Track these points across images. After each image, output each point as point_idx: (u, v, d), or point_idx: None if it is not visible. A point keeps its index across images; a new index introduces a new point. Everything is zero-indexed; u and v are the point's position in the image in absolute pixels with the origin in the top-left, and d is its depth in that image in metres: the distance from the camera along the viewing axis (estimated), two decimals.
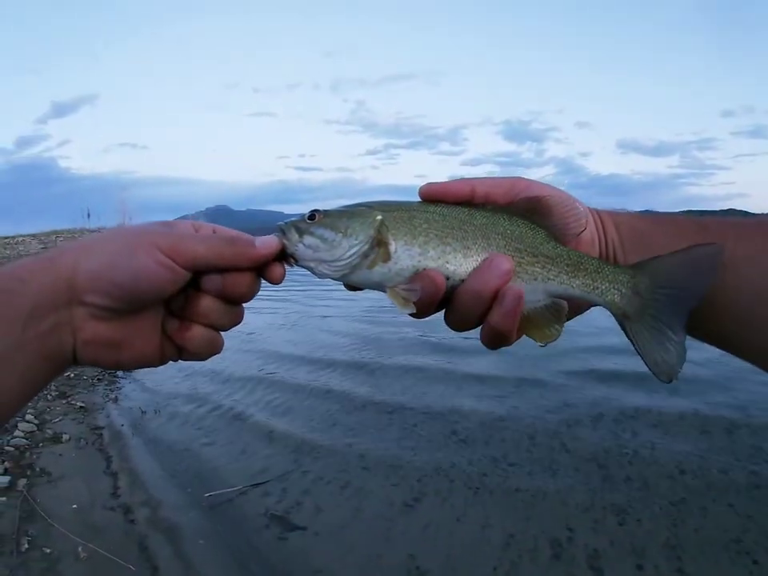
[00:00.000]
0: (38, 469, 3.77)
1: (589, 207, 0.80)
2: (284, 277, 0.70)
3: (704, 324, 0.71)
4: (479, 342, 0.70)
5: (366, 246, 0.68)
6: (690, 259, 0.67)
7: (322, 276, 0.70)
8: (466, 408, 4.90)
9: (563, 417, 4.65)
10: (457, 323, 0.71)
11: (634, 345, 0.70)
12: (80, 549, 2.86)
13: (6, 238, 24.84)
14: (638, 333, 0.70)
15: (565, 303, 0.71)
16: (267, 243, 0.67)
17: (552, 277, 0.71)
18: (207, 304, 0.66)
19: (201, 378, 6.29)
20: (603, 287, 0.71)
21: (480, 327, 0.69)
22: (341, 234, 0.69)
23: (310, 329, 9.08)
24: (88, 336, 0.60)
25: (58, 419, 4.81)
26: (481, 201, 0.74)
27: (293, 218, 0.73)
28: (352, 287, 0.74)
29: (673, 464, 3.75)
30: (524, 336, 0.70)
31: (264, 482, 3.73)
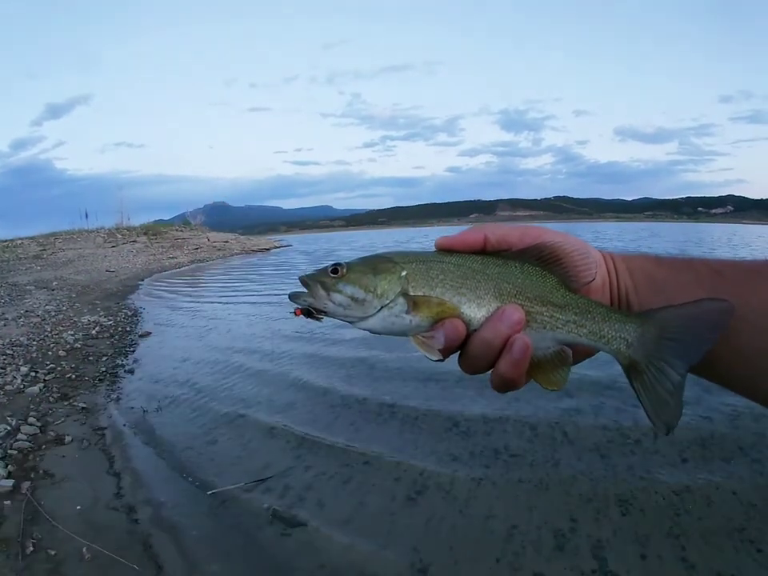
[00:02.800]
0: (41, 471, 3.78)
1: (602, 252, 0.81)
2: None
3: (714, 368, 0.70)
4: None
5: (394, 304, 0.72)
6: (699, 313, 0.67)
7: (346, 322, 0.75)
8: (467, 400, 4.91)
9: (565, 407, 4.65)
10: (468, 367, 0.73)
11: (636, 394, 0.71)
12: (84, 549, 2.86)
13: (5, 241, 24.85)
14: (642, 383, 0.70)
15: (569, 351, 0.73)
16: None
17: (560, 325, 0.72)
18: None
19: (202, 376, 6.31)
20: (610, 336, 0.71)
21: (490, 372, 0.71)
22: (371, 294, 0.72)
23: (312, 324, 9.05)
24: None
25: (60, 421, 4.81)
26: (493, 249, 0.76)
27: (314, 272, 0.76)
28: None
29: (675, 453, 3.75)
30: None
31: (266, 479, 3.74)
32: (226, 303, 12.27)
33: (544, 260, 0.73)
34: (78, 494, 3.52)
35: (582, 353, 0.76)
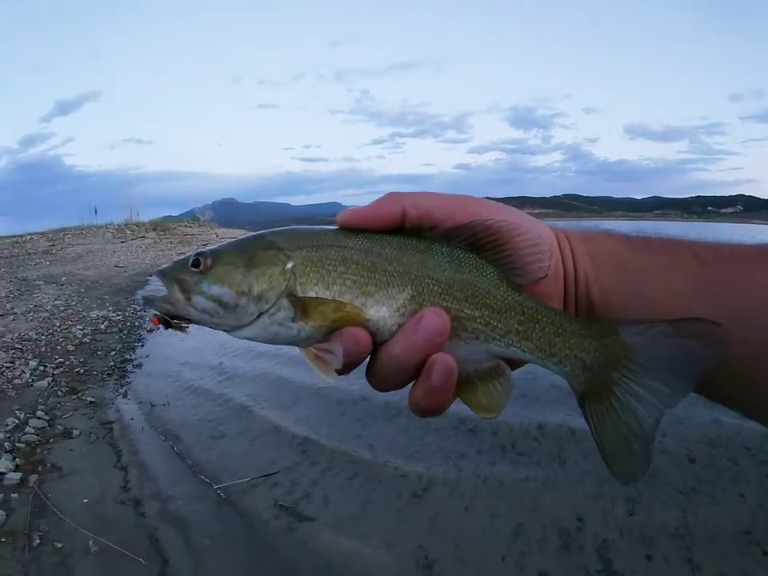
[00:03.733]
0: (48, 464, 3.80)
1: (554, 229, 0.65)
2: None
3: (708, 386, 0.55)
4: None
5: (276, 309, 0.55)
6: (683, 337, 0.52)
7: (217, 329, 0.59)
8: None
9: (571, 405, 4.63)
10: (377, 385, 0.57)
11: (591, 430, 0.57)
12: (91, 543, 2.88)
13: (15, 236, 25.01)
14: (600, 418, 0.55)
15: (507, 368, 0.58)
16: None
17: (498, 336, 0.56)
18: None
19: (210, 371, 6.32)
20: (563, 354, 0.55)
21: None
22: (244, 297, 0.55)
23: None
24: None
25: (68, 415, 4.84)
26: (414, 226, 0.58)
27: (172, 265, 0.60)
28: None
29: (683, 453, 3.73)
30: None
31: (273, 474, 3.75)
32: None
33: (480, 245, 0.56)
34: (85, 487, 3.54)
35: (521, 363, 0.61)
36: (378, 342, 0.54)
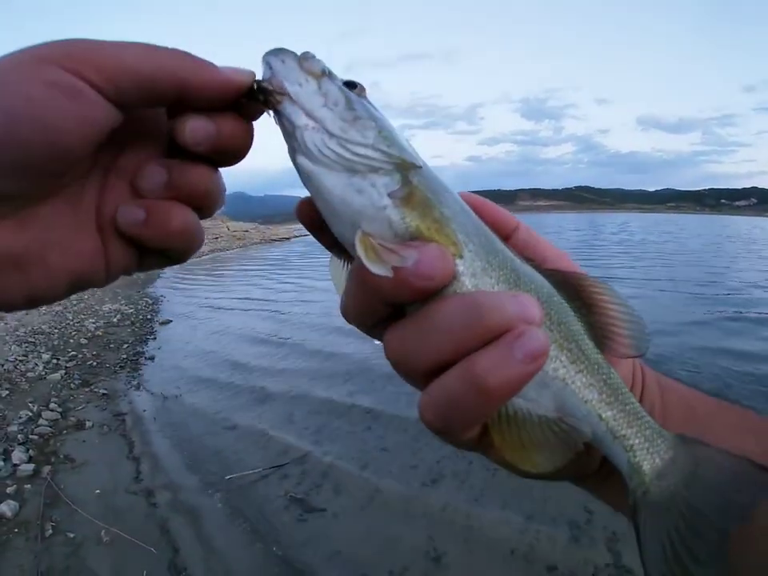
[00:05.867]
0: (61, 456, 3.84)
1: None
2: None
3: None
4: None
5: (386, 167, 0.42)
6: (743, 472, 0.45)
7: (295, 154, 0.42)
8: None
9: None
10: (401, 350, 0.41)
11: (638, 538, 0.47)
12: (103, 533, 2.91)
13: None
14: (652, 529, 0.46)
15: (586, 430, 0.45)
16: (239, 71, 0.40)
17: (580, 384, 0.44)
18: (201, 169, 0.41)
19: (222, 363, 6.35)
20: (636, 441, 0.45)
21: (429, 383, 0.39)
22: (373, 123, 0.43)
23: (332, 306, 9.04)
24: None
25: (81, 407, 4.88)
26: (519, 246, 0.49)
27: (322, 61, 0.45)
28: (308, 211, 0.45)
29: None
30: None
31: (283, 465, 3.76)
32: (247, 292, 12.32)
33: (582, 298, 0.47)
34: (97, 478, 3.57)
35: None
36: (444, 292, 0.41)
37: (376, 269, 0.37)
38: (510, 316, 0.37)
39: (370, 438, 4.08)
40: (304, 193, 0.45)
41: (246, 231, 35.84)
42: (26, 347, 6.68)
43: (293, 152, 0.42)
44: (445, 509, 3.14)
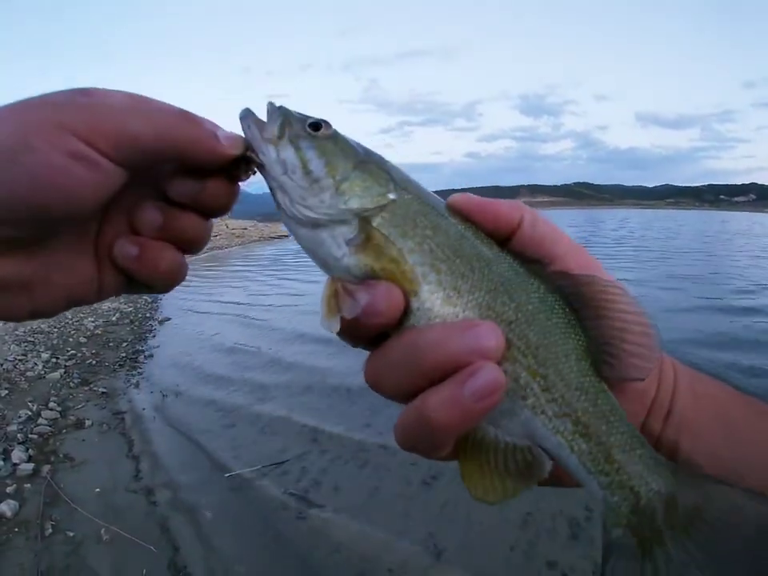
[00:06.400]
0: (61, 455, 3.83)
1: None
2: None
3: None
4: None
5: (342, 218, 0.45)
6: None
7: (276, 206, 0.47)
8: None
9: None
10: (374, 380, 0.45)
11: None
12: (103, 531, 2.91)
13: None
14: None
15: (546, 459, 0.43)
16: (233, 141, 0.44)
17: (550, 413, 0.43)
18: (192, 217, 0.46)
19: (221, 361, 6.35)
20: (617, 478, 0.43)
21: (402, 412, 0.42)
22: (331, 181, 0.46)
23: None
24: None
25: (80, 405, 4.88)
26: (524, 244, 0.47)
27: (293, 112, 0.49)
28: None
29: None
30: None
31: (283, 462, 3.76)
32: (246, 289, 12.31)
33: (587, 305, 0.44)
34: (97, 476, 3.57)
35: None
36: (404, 325, 0.43)
37: (329, 321, 0.43)
38: (456, 352, 0.39)
39: (369, 436, 4.08)
40: None
41: (245, 229, 35.77)
42: (26, 346, 6.68)
43: (275, 204, 0.47)
44: (444, 506, 3.14)
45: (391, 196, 0.46)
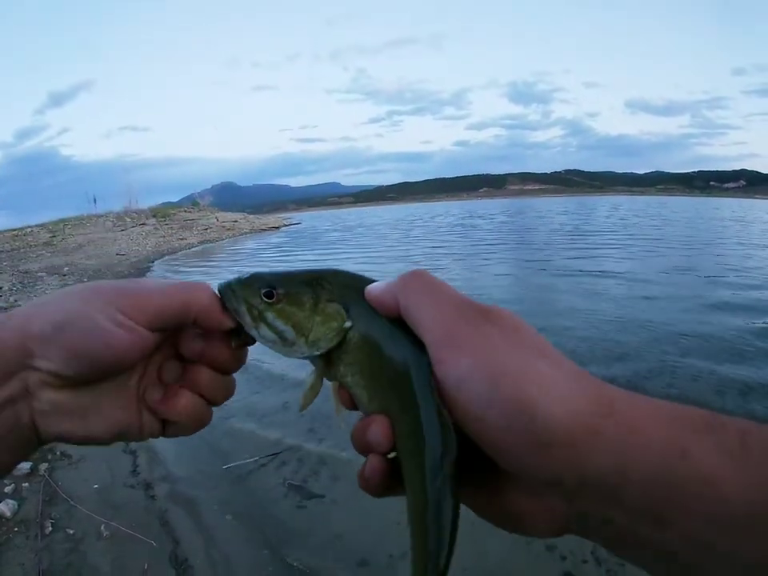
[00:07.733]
0: (58, 452, 3.82)
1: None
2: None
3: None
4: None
5: (319, 353, 0.56)
6: None
7: None
8: None
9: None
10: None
11: None
12: (102, 527, 2.91)
13: (15, 230, 24.99)
14: None
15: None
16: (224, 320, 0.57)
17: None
18: (205, 371, 0.58)
19: None
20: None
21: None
22: (302, 338, 0.55)
23: None
24: (45, 406, 0.49)
25: None
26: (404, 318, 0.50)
27: (241, 287, 0.57)
28: None
29: None
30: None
31: (280, 452, 3.78)
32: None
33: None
34: (95, 473, 3.56)
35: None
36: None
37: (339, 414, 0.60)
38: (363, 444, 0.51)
39: None
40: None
41: (236, 221, 35.61)
42: None
43: None
44: None
45: (347, 324, 0.54)
